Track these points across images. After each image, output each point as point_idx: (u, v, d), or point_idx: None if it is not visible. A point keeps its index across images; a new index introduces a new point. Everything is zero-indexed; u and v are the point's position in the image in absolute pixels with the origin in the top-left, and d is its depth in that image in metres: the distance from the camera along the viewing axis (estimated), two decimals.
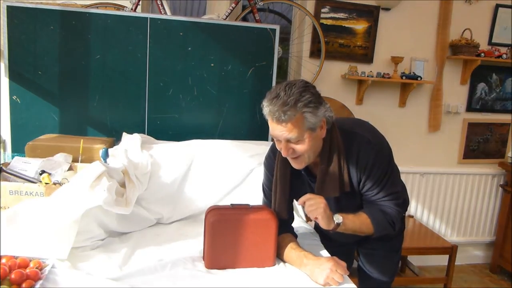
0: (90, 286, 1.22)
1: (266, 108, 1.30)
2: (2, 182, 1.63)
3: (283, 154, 1.34)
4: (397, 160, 1.52)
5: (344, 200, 1.47)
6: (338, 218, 1.39)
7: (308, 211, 1.37)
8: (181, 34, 2.26)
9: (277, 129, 1.30)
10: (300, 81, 1.33)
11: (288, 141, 1.32)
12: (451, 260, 2.74)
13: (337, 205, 1.47)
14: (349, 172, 1.41)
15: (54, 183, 1.69)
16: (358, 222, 1.42)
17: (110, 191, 1.49)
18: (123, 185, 1.68)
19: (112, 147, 2.02)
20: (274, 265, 1.46)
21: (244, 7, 2.70)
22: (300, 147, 1.33)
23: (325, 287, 1.32)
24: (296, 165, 1.40)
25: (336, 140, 1.40)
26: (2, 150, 2.32)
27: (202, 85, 2.32)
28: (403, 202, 1.53)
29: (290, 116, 1.26)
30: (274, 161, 1.51)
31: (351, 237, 1.58)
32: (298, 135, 1.30)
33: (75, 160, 1.94)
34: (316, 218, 1.36)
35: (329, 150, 1.40)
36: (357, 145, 1.41)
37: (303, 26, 2.85)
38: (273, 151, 1.54)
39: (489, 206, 3.38)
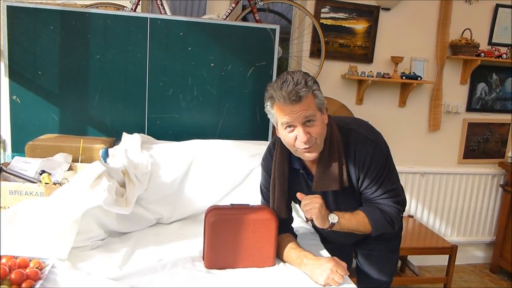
0: (90, 286, 1.22)
1: (278, 94, 1.30)
2: (2, 182, 1.63)
3: (303, 139, 1.32)
4: (397, 160, 1.52)
5: (341, 197, 1.47)
6: (333, 217, 1.39)
7: (303, 210, 1.38)
8: (181, 34, 2.26)
9: (294, 111, 1.30)
10: (297, 70, 1.39)
11: (304, 124, 1.32)
12: (451, 260, 2.74)
13: (335, 203, 1.48)
14: (347, 168, 1.42)
15: (54, 183, 1.69)
16: (354, 221, 1.42)
17: (110, 191, 1.49)
18: (123, 185, 1.68)
19: (112, 147, 2.03)
20: (274, 265, 1.46)
21: (244, 7, 2.70)
22: (314, 130, 1.33)
23: (325, 287, 1.32)
24: (309, 154, 1.37)
25: (335, 136, 1.41)
26: (2, 150, 2.32)
27: (202, 85, 2.31)
28: (402, 200, 1.53)
29: (305, 92, 1.29)
30: (271, 161, 1.51)
31: (349, 238, 1.59)
32: (313, 113, 1.32)
33: (75, 160, 1.94)
34: (311, 217, 1.36)
35: (328, 145, 1.40)
36: (354, 142, 1.41)
37: (303, 26, 2.85)
38: (270, 152, 1.55)
39: (489, 206, 3.38)
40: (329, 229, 1.40)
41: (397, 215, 1.47)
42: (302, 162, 1.48)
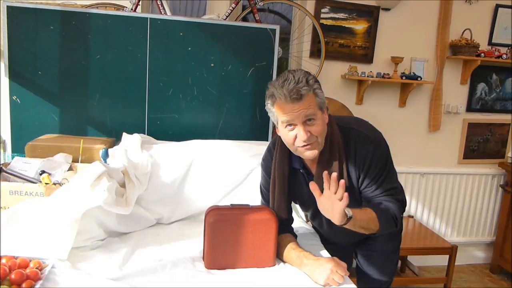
0: (90, 286, 1.22)
1: (278, 92, 1.30)
2: (2, 182, 1.63)
3: (303, 138, 1.31)
4: (397, 160, 1.52)
5: None
6: (349, 211, 1.30)
7: (322, 208, 1.30)
8: (181, 34, 2.26)
9: (294, 109, 1.30)
10: (298, 69, 1.39)
11: (304, 122, 1.32)
12: (451, 260, 2.74)
13: None
14: (347, 167, 1.41)
15: (54, 183, 1.69)
16: (365, 217, 1.36)
17: (110, 191, 1.49)
18: (123, 185, 1.68)
19: (112, 147, 2.03)
20: (274, 265, 1.46)
21: (244, 7, 2.70)
22: (315, 128, 1.33)
23: (325, 287, 1.32)
24: (310, 152, 1.36)
25: (336, 135, 1.41)
26: (2, 150, 2.32)
27: (202, 85, 2.31)
28: (402, 199, 1.53)
29: (307, 91, 1.30)
30: (271, 161, 1.51)
31: (349, 238, 1.58)
32: (314, 111, 1.32)
33: (75, 160, 1.94)
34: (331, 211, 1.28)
35: (329, 144, 1.40)
36: (354, 142, 1.41)
37: (303, 26, 2.85)
38: (270, 152, 1.55)
39: (489, 206, 3.38)
40: (344, 224, 1.30)
41: (399, 210, 1.45)
42: (302, 161, 1.47)
